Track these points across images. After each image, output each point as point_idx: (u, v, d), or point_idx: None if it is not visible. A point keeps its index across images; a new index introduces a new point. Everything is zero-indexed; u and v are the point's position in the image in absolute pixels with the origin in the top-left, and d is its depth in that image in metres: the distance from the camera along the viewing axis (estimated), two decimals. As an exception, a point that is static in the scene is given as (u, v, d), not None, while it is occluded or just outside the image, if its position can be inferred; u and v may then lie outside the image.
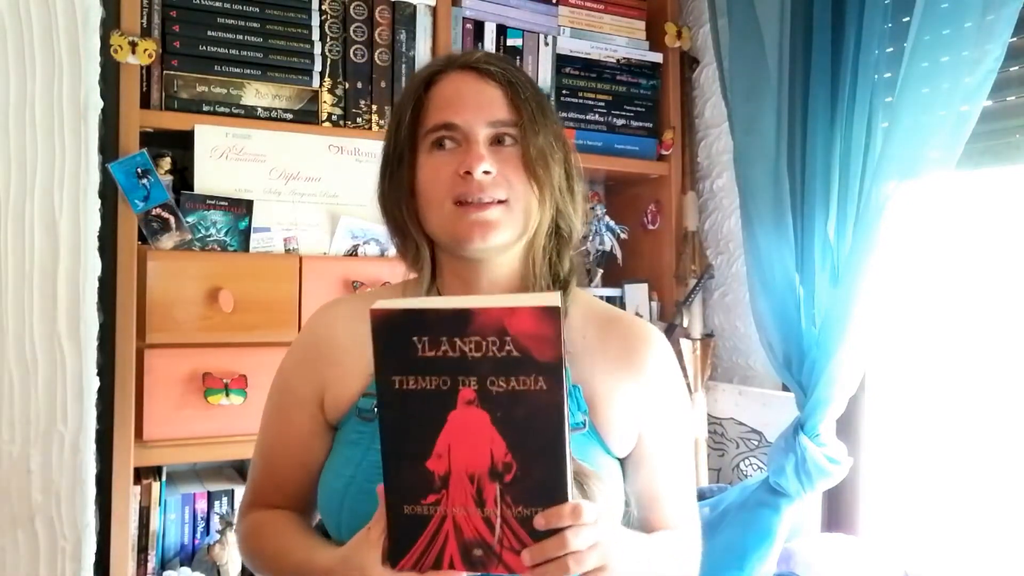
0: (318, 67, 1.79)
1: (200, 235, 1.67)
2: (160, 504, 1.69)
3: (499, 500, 0.78)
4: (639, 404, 0.99)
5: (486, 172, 0.92)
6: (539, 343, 0.76)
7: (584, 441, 0.94)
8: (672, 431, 1.02)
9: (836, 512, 1.82)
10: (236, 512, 1.73)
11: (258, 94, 1.74)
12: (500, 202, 0.93)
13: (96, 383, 1.49)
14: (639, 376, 0.99)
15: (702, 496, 1.85)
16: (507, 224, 0.94)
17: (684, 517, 1.03)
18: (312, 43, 1.78)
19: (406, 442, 0.80)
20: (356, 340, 0.97)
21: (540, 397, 0.77)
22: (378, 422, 0.81)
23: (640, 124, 2.17)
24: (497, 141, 0.95)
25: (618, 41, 2.15)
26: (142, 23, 1.64)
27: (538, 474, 0.78)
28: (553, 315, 0.76)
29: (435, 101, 0.96)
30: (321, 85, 1.80)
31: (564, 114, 2.08)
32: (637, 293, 2.20)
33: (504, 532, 0.78)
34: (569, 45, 2.08)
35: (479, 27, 1.98)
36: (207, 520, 1.75)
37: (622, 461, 1.00)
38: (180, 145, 1.72)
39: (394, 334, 0.79)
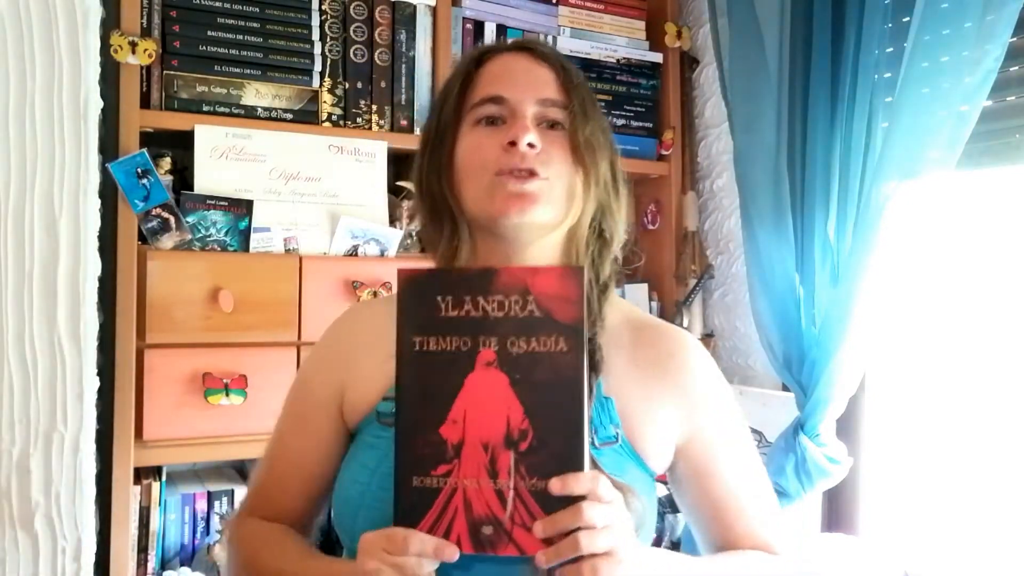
0: (318, 67, 1.79)
1: (200, 235, 1.67)
2: (160, 504, 1.69)
3: (513, 470, 0.76)
4: (677, 415, 0.94)
5: (531, 145, 0.89)
6: (561, 304, 0.77)
7: (617, 455, 0.89)
8: (726, 439, 0.97)
9: (836, 512, 1.82)
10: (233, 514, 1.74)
11: (258, 94, 1.74)
12: (538, 176, 0.90)
13: (96, 383, 1.49)
14: (676, 386, 0.94)
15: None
16: (546, 200, 0.90)
17: (767, 535, 0.95)
18: (312, 43, 1.78)
19: (421, 407, 0.78)
20: (378, 342, 0.93)
21: (560, 359, 0.76)
22: (396, 387, 0.80)
23: (640, 124, 2.17)
24: (545, 125, 0.92)
25: (618, 41, 2.15)
26: (142, 23, 1.64)
27: (555, 442, 0.76)
28: (577, 276, 0.78)
29: (485, 77, 0.95)
30: (321, 85, 1.80)
31: (564, 114, 2.07)
32: (637, 293, 2.20)
33: (516, 506, 0.75)
34: (569, 45, 2.08)
35: (479, 27, 1.98)
36: (207, 520, 1.75)
37: (669, 480, 0.96)
38: (180, 145, 1.72)
39: (419, 293, 0.80)
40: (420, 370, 0.79)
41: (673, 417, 0.94)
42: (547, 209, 0.90)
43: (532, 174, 0.89)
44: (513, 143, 0.89)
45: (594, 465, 0.81)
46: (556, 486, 0.73)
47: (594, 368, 0.87)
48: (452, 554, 0.74)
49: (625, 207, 0.98)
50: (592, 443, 0.83)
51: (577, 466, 0.75)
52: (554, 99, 0.92)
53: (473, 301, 0.78)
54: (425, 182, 0.97)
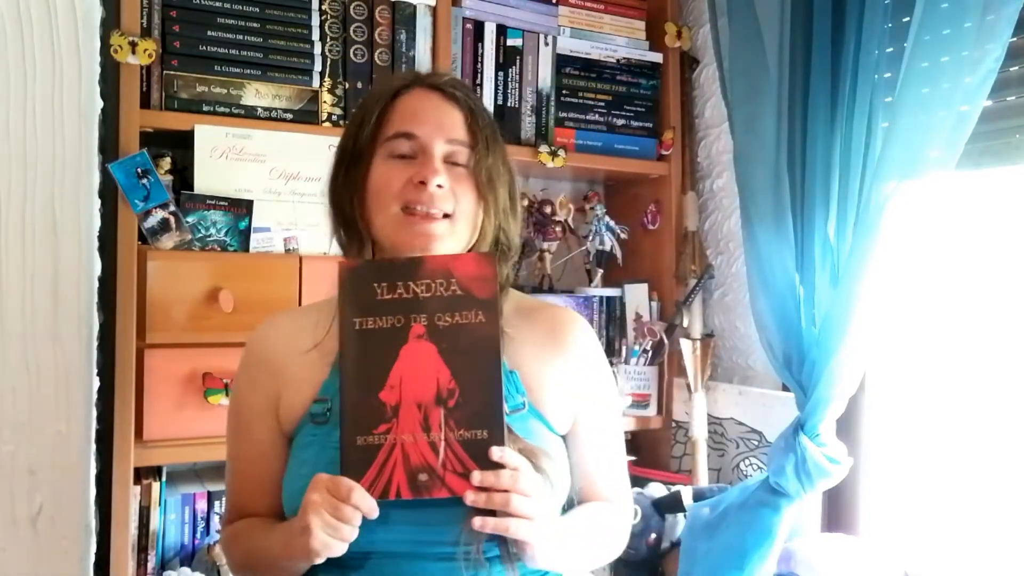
0: (318, 67, 1.79)
1: (200, 235, 1.67)
2: (160, 504, 1.69)
3: (443, 424, 0.89)
4: (570, 381, 1.06)
5: (439, 186, 0.99)
6: (479, 283, 0.92)
7: (527, 420, 1.00)
8: (600, 408, 1.10)
9: (836, 512, 1.82)
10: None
11: (258, 94, 1.74)
12: (446, 216, 1.00)
13: (96, 383, 1.49)
14: (566, 356, 1.07)
15: (702, 496, 1.85)
16: (449, 238, 1.01)
17: (616, 488, 1.12)
18: (312, 43, 1.78)
19: (363, 377, 0.91)
20: (298, 351, 1.04)
21: (479, 329, 0.91)
22: (338, 363, 0.93)
23: (640, 124, 2.17)
24: (450, 161, 1.02)
25: (618, 41, 2.15)
26: (142, 23, 1.64)
27: (477, 398, 0.90)
28: (490, 259, 0.94)
29: (400, 111, 1.04)
30: (321, 85, 1.80)
31: (564, 114, 2.08)
32: (637, 293, 2.20)
33: (447, 455, 0.88)
34: (569, 45, 2.08)
35: (479, 27, 1.98)
36: (207, 520, 1.75)
37: (564, 438, 1.07)
38: (180, 145, 1.72)
39: (358, 281, 0.95)
40: (361, 346, 0.92)
41: (567, 382, 1.06)
42: (449, 244, 1.02)
43: (441, 216, 1.00)
44: (423, 182, 0.99)
45: (509, 432, 0.93)
46: (495, 454, 0.87)
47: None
48: (374, 511, 0.87)
49: (520, 221, 1.12)
50: (504, 411, 0.95)
51: (497, 416, 0.89)
52: (461, 139, 1.03)
53: (405, 285, 0.92)
54: (338, 200, 1.07)
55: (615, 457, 1.13)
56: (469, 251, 1.05)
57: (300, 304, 1.71)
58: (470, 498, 0.87)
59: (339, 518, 0.86)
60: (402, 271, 0.93)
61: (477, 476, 0.87)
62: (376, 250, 1.06)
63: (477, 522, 0.86)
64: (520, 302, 1.13)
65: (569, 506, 1.06)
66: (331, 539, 0.86)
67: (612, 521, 1.11)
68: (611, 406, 1.14)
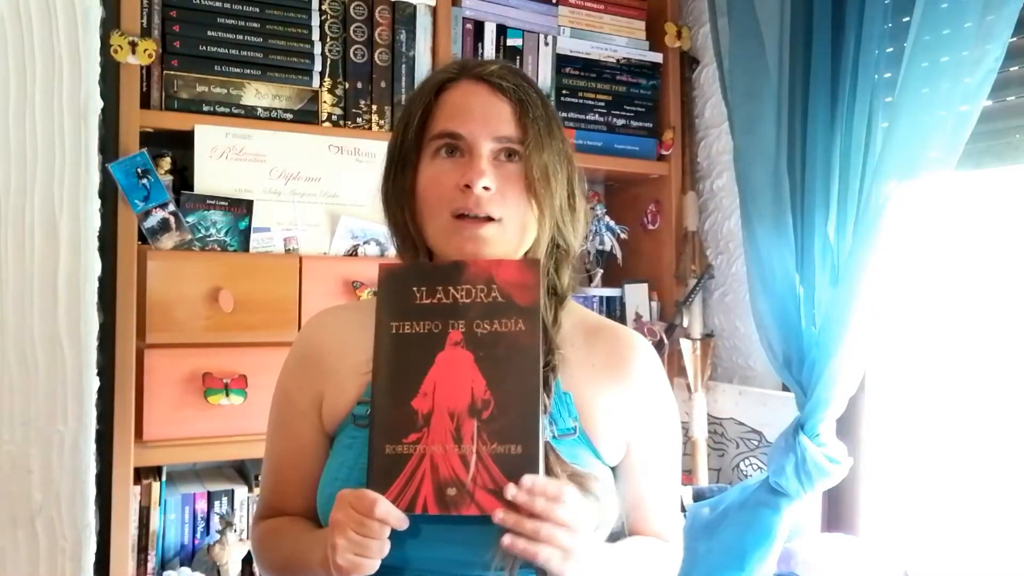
0: (318, 67, 1.79)
1: (200, 235, 1.67)
2: (160, 504, 1.69)
3: (476, 436, 0.84)
4: (627, 411, 0.99)
5: (485, 188, 0.92)
6: (521, 290, 0.88)
7: (575, 447, 0.94)
8: (659, 440, 1.02)
9: (836, 512, 1.82)
10: (235, 514, 1.74)
11: (258, 94, 1.74)
12: (493, 220, 0.94)
13: (96, 383, 1.49)
14: (626, 384, 0.99)
15: (702, 496, 1.85)
16: (499, 242, 0.95)
17: (668, 526, 1.04)
18: (312, 43, 1.78)
19: (396, 382, 0.88)
20: (348, 347, 0.99)
21: (519, 337, 0.87)
22: (372, 367, 0.89)
23: (640, 124, 2.17)
24: (501, 156, 0.95)
25: (618, 41, 2.15)
26: (142, 23, 1.64)
27: (513, 411, 0.84)
28: (533, 266, 0.90)
29: (444, 108, 0.97)
30: (321, 85, 1.80)
31: (564, 114, 2.08)
32: (637, 293, 2.20)
33: (478, 469, 0.83)
34: (569, 45, 2.08)
35: (479, 27, 1.98)
36: (207, 520, 1.75)
37: (614, 470, 1.00)
38: (180, 145, 1.72)
39: (397, 285, 0.91)
40: (395, 350, 0.89)
41: (625, 413, 0.99)
42: (500, 248, 0.95)
43: (488, 219, 0.93)
44: (469, 185, 0.92)
45: (554, 455, 0.89)
46: (526, 482, 0.81)
47: (552, 367, 0.94)
48: (403, 523, 0.83)
49: (583, 219, 1.03)
50: (552, 435, 0.91)
51: (533, 434, 0.84)
52: (510, 135, 0.95)
53: (444, 290, 0.89)
54: (390, 209, 1.02)
55: (669, 493, 1.05)
56: (529, 252, 0.98)
57: (300, 304, 1.71)
58: (498, 516, 0.81)
59: (365, 534, 0.81)
60: (443, 275, 0.90)
61: (511, 490, 0.80)
62: (432, 257, 1.00)
63: (507, 539, 0.80)
64: (584, 319, 1.05)
65: (615, 539, 1.00)
66: (359, 558, 0.82)
67: (662, 559, 1.03)
68: (669, 439, 1.04)
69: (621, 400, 0.99)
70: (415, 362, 0.87)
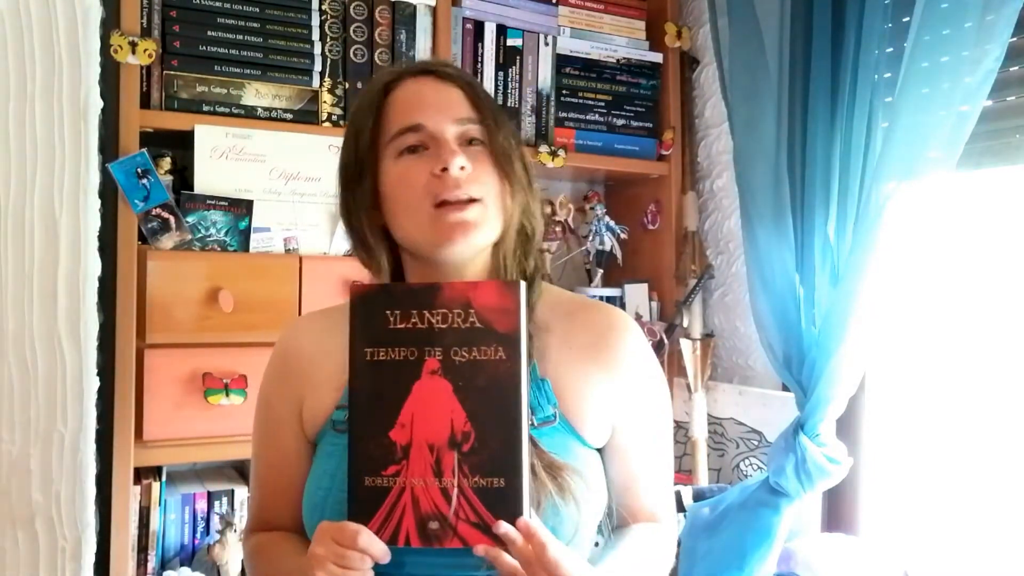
0: (318, 67, 1.79)
1: (200, 235, 1.67)
2: (160, 504, 1.69)
3: (457, 470, 0.82)
4: (609, 391, 0.97)
5: (462, 168, 0.92)
6: (500, 315, 0.83)
7: (557, 433, 0.93)
8: (647, 417, 1.01)
9: (836, 512, 1.82)
10: (235, 514, 1.74)
11: (258, 94, 1.74)
12: (475, 201, 0.93)
13: (96, 383, 1.49)
14: (607, 363, 0.97)
15: (702, 496, 1.85)
16: (485, 223, 0.94)
17: (660, 506, 1.03)
18: (312, 43, 1.78)
19: (373, 412, 0.84)
20: (326, 353, 0.98)
21: (499, 367, 0.83)
22: (348, 393, 0.86)
23: (640, 124, 2.17)
24: (464, 142, 0.95)
25: (618, 41, 2.15)
26: (142, 23, 1.64)
27: (495, 443, 0.81)
28: (514, 289, 0.84)
29: (396, 106, 0.97)
30: (321, 85, 1.80)
31: (564, 114, 2.08)
32: (637, 293, 2.20)
33: (460, 503, 0.81)
34: (569, 45, 2.08)
35: (479, 27, 1.98)
36: (207, 520, 1.75)
37: (601, 451, 0.99)
38: (180, 145, 1.72)
39: (370, 308, 0.86)
40: (371, 379, 0.85)
41: (608, 394, 0.97)
42: (487, 230, 0.94)
43: (470, 201, 0.92)
44: (445, 169, 0.91)
45: (536, 447, 0.86)
46: (521, 526, 0.79)
47: (527, 355, 0.90)
48: (386, 556, 0.81)
49: (539, 200, 1.02)
50: (532, 424, 0.88)
51: (516, 466, 0.81)
52: (469, 116, 0.95)
53: (419, 315, 0.84)
54: (351, 218, 1.00)
55: (661, 471, 1.03)
56: (500, 239, 0.97)
57: (300, 304, 1.71)
58: (480, 550, 0.80)
59: (346, 566, 0.80)
60: (416, 298, 0.86)
61: (503, 527, 0.79)
62: (408, 260, 1.00)
63: (480, 550, 0.80)
64: (558, 298, 1.03)
65: (607, 519, 0.99)
66: None
67: (658, 549, 1.00)
68: (659, 417, 1.03)
69: (603, 381, 0.97)
70: (391, 391, 0.84)
